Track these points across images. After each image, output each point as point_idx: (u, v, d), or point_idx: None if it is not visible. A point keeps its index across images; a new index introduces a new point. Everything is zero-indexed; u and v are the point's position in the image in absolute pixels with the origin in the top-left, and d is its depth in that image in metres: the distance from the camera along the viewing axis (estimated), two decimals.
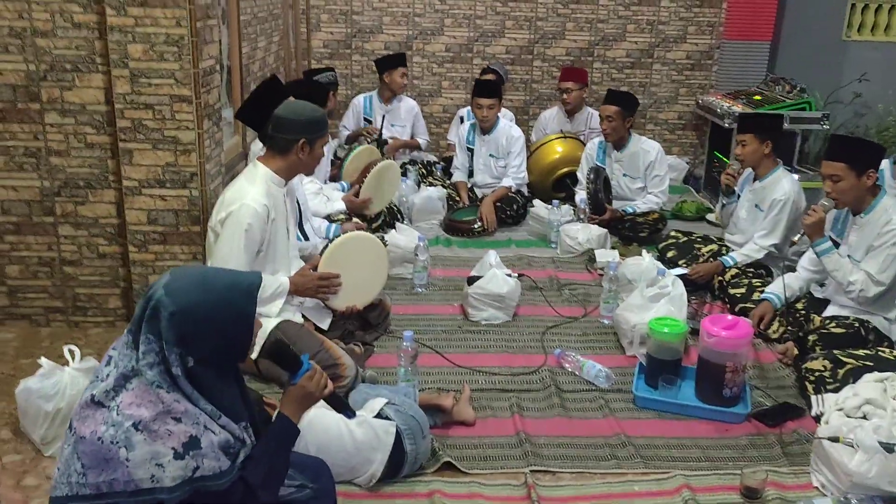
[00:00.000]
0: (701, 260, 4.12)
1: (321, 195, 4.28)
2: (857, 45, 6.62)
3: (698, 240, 4.34)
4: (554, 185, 5.41)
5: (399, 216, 4.84)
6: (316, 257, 3.08)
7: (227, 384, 1.80)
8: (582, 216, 4.74)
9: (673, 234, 4.47)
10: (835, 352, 2.90)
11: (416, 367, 2.82)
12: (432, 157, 5.97)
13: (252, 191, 2.81)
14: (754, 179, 4.01)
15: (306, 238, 3.53)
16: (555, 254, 4.52)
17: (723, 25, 6.21)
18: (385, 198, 4.48)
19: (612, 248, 4.55)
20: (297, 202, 3.51)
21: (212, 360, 1.69)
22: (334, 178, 4.92)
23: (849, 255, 3.25)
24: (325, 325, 3.12)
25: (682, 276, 3.93)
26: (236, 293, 1.72)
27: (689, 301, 3.75)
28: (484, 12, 6.17)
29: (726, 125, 5.35)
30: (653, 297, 3.27)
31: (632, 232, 4.75)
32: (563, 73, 5.73)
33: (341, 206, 4.23)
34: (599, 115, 4.81)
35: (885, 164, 4.21)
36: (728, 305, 3.75)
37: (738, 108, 5.50)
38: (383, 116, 5.56)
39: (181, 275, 1.70)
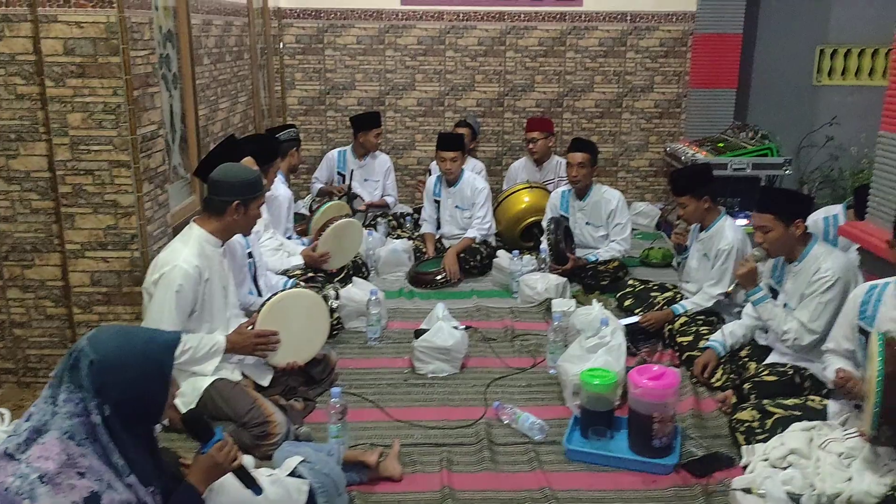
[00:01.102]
0: (656, 308, 4.15)
1: (281, 251, 4.35)
2: (827, 90, 6.74)
3: (655, 288, 4.37)
4: (521, 234, 5.47)
5: (364, 269, 4.91)
6: (255, 315, 3.13)
7: (141, 444, 1.85)
8: (543, 266, 4.79)
9: (631, 282, 4.52)
10: (764, 401, 2.91)
11: (346, 423, 2.85)
12: (407, 209, 6.06)
13: (185, 252, 2.88)
14: (701, 229, 4.05)
15: (260, 294, 3.61)
16: (515, 304, 4.56)
17: (688, 74, 6.32)
18: (346, 254, 4.54)
19: (573, 296, 4.58)
20: (252, 258, 3.61)
21: (128, 413, 1.75)
22: (303, 232, 5.01)
23: (785, 304, 3.28)
24: (265, 382, 3.15)
25: (635, 325, 3.99)
26: (154, 347, 1.80)
27: (639, 349, 3.82)
28: (454, 67, 6.33)
29: None
30: (591, 348, 3.29)
31: (594, 280, 4.79)
32: (528, 124, 5.84)
33: (300, 261, 4.29)
34: (568, 163, 4.89)
35: (838, 209, 4.27)
36: (678, 353, 3.76)
37: (702, 155, 5.57)
38: (352, 172, 5.67)
39: (105, 329, 1.81)
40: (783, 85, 6.62)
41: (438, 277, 4.87)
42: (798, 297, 3.21)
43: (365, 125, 5.62)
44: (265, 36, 5.89)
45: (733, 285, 3.40)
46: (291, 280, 3.88)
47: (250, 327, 3.05)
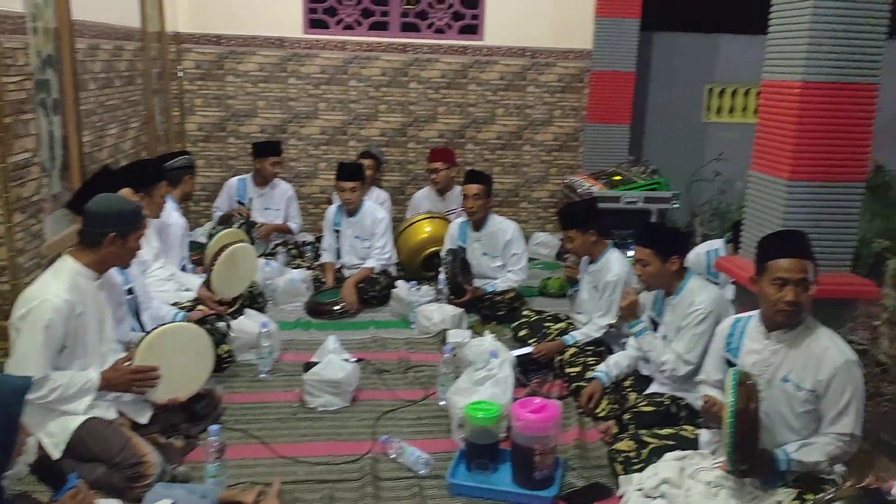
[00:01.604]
0: (549, 338, 4.23)
1: (173, 281, 4.23)
2: (715, 127, 7.10)
3: (548, 318, 4.46)
4: (422, 264, 5.49)
5: (261, 299, 4.82)
6: (133, 350, 3.02)
7: None
8: (441, 296, 4.82)
9: (526, 313, 4.60)
10: (641, 432, 3.00)
11: (225, 461, 2.77)
12: (308, 237, 6.00)
13: (54, 286, 2.76)
14: (590, 262, 4.18)
15: (143, 329, 3.48)
16: (412, 335, 4.57)
17: (585, 109, 6.54)
18: (241, 282, 4.44)
19: (470, 326, 4.62)
20: (133, 293, 3.48)
21: None
22: (200, 261, 4.88)
23: (665, 335, 3.41)
24: (143, 420, 3.04)
25: (527, 356, 4.05)
26: (1, 392, 1.71)
27: (529, 380, 3.88)
28: (357, 97, 6.34)
29: None
30: (479, 381, 3.33)
31: (490, 310, 4.85)
32: (431, 154, 5.90)
33: (191, 297, 4.17)
34: (464, 195, 4.95)
35: (719, 243, 4.48)
36: (567, 383, 3.84)
37: (597, 188, 5.75)
38: (250, 199, 5.58)
39: None
40: (675, 121, 6.94)
41: (336, 308, 4.83)
42: (675, 329, 3.34)
43: (261, 152, 5.56)
44: (163, 61, 5.76)
45: (615, 318, 3.51)
46: (181, 313, 3.76)
47: (128, 363, 2.94)
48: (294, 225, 5.85)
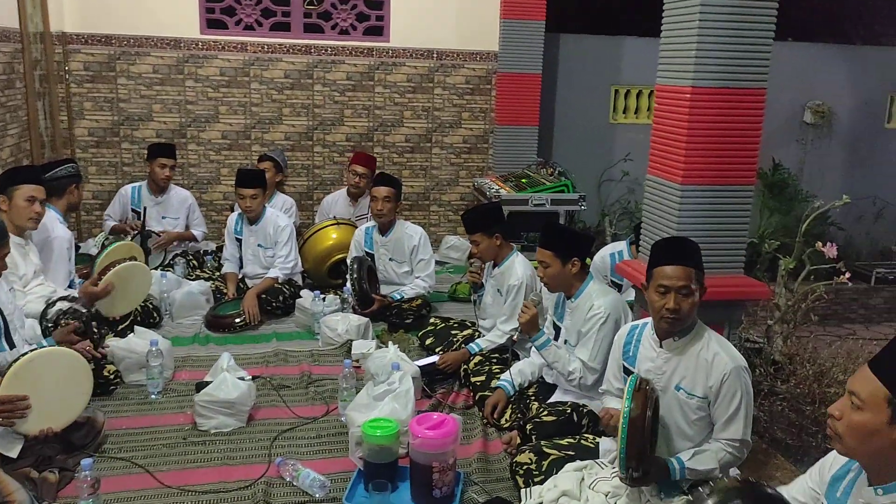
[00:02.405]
0: (455, 346, 4.17)
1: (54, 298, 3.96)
2: (622, 128, 7.20)
3: (455, 326, 4.41)
4: (329, 272, 5.36)
5: (156, 315, 4.59)
6: None
7: None
8: (346, 305, 4.70)
9: (432, 320, 4.54)
10: (542, 443, 2.96)
11: (99, 497, 2.59)
12: (210, 246, 5.77)
13: None
14: (494, 266, 4.13)
15: (12, 347, 3.23)
16: (316, 346, 4.43)
17: (494, 112, 6.52)
18: (131, 300, 4.19)
19: (377, 336, 4.52)
20: (2, 311, 3.23)
21: None
22: (88, 275, 4.59)
23: (566, 340, 3.39)
24: (13, 454, 2.81)
25: (432, 365, 3.97)
26: None
27: (434, 391, 3.80)
28: (260, 100, 6.15)
29: None
30: (378, 396, 3.23)
31: (398, 318, 4.76)
32: (357, 157, 5.75)
33: (69, 293, 3.89)
34: (373, 197, 4.83)
35: (623, 245, 4.51)
36: (472, 393, 3.78)
37: (505, 191, 5.73)
38: (144, 209, 5.32)
39: None
40: (583, 122, 7.00)
41: (237, 320, 4.64)
42: (576, 333, 3.33)
43: (150, 154, 5.31)
44: (47, 62, 5.43)
45: (517, 332, 3.47)
46: (49, 338, 3.49)
47: None
48: (198, 232, 5.61)
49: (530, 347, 3.87)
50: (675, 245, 2.65)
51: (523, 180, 5.92)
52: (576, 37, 6.94)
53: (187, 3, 5.87)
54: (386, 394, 3.24)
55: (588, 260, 3.55)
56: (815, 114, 7.27)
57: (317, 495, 2.87)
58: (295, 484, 2.94)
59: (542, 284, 3.45)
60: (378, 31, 6.26)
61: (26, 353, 2.88)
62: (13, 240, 3.66)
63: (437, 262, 6.27)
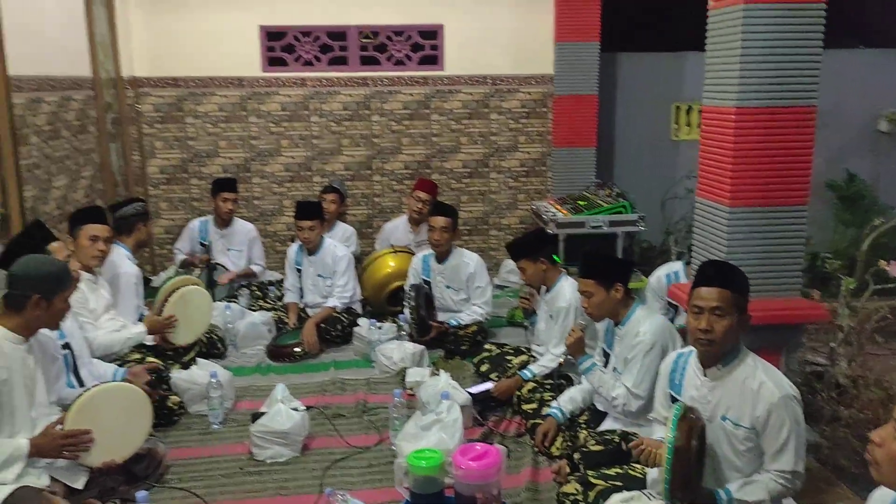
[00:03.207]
0: (509, 372, 4.15)
1: (123, 332, 4.14)
2: (685, 145, 7.05)
3: (510, 352, 4.40)
4: (388, 299, 5.43)
5: (220, 346, 4.75)
6: (64, 413, 2.95)
7: None
8: (402, 333, 4.75)
9: (487, 347, 4.54)
10: (588, 472, 2.91)
11: None
12: (274, 276, 5.93)
13: None
14: (545, 291, 4.12)
15: (82, 385, 3.41)
16: (373, 374, 4.49)
17: (550, 134, 6.50)
18: (195, 328, 4.35)
19: (433, 362, 4.55)
20: (70, 348, 3.41)
21: None
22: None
23: (615, 368, 3.34)
24: (78, 485, 2.95)
25: (485, 393, 3.98)
26: None
27: (486, 419, 3.80)
28: (320, 132, 6.32)
29: (550, 231, 5.52)
30: (426, 426, 3.25)
31: (454, 345, 4.78)
32: (420, 184, 5.85)
33: (140, 329, 4.06)
34: (430, 227, 4.90)
35: (679, 265, 4.42)
36: (524, 421, 3.76)
37: (562, 214, 5.70)
38: (210, 243, 5.53)
39: None
40: (644, 141, 6.89)
41: (297, 350, 4.76)
42: (623, 360, 3.28)
43: (215, 189, 5.53)
44: (120, 105, 5.73)
45: (563, 356, 3.44)
46: (122, 369, 3.68)
47: (59, 427, 2.87)
48: (257, 267, 5.78)
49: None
50: (712, 267, 2.61)
51: (581, 202, 5.88)
52: (634, 55, 6.86)
53: (249, 43, 6.11)
54: (434, 423, 3.26)
55: (642, 281, 3.50)
56: (890, 122, 6.95)
57: None
58: None
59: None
60: (433, 60, 6.35)
61: (89, 389, 3.03)
62: (84, 276, 3.89)
63: (497, 287, 6.31)
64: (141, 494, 2.70)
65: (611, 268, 3.30)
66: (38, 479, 2.83)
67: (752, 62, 3.06)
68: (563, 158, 6.44)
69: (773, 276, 3.24)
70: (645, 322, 3.22)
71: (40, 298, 2.81)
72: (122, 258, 4.38)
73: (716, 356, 2.57)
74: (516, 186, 6.63)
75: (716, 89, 3.29)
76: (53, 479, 2.89)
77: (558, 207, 5.93)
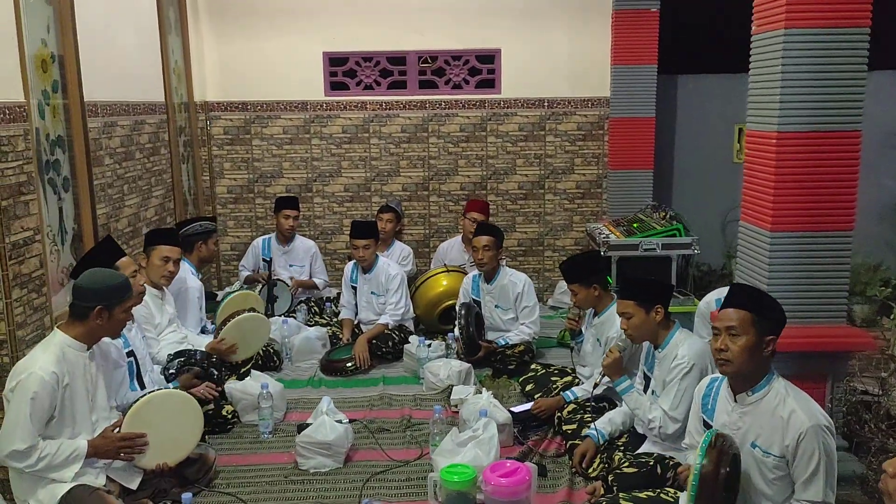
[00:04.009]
0: (553, 393, 4.18)
1: (185, 343, 4.36)
2: None
3: (555, 372, 4.43)
4: (439, 317, 5.53)
5: (276, 359, 4.94)
6: (121, 417, 3.14)
7: None
8: (450, 351, 4.83)
9: (533, 367, 4.58)
10: (620, 495, 2.93)
11: None
12: (332, 293, 6.11)
13: (42, 359, 2.91)
14: (594, 315, 4.13)
15: (143, 388, 3.63)
16: (420, 391, 4.58)
17: (607, 157, 6.51)
18: (251, 347, 4.56)
19: (480, 381, 4.61)
20: (134, 356, 3.64)
21: None
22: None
23: (653, 391, 3.34)
24: (133, 485, 3.14)
25: (526, 412, 4.01)
26: None
27: (527, 438, 3.84)
28: (378, 154, 6.50)
29: (602, 253, 5.53)
30: (462, 442, 3.32)
31: (502, 364, 4.83)
32: (473, 205, 5.98)
33: (200, 347, 4.28)
34: (473, 247, 4.99)
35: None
36: (564, 441, 3.77)
37: (615, 236, 5.69)
38: (271, 259, 5.76)
39: None
40: (705, 163, 6.80)
41: (349, 365, 4.90)
42: (662, 383, 3.27)
43: (277, 206, 5.77)
44: (192, 128, 6.05)
45: (599, 376, 3.46)
46: (176, 382, 3.87)
47: (116, 430, 3.06)
48: (320, 280, 5.98)
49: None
50: (738, 289, 2.63)
51: (634, 225, 5.85)
52: (695, 77, 6.81)
53: (313, 68, 6.36)
54: (470, 440, 3.32)
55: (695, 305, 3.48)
56: None
57: None
58: None
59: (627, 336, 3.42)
60: (490, 83, 6.46)
61: (144, 395, 3.23)
62: (150, 292, 4.13)
63: (551, 308, 6.33)
64: (186, 496, 2.86)
65: (651, 290, 3.31)
66: (96, 479, 3.03)
67: (793, 87, 3.05)
68: (619, 181, 6.42)
69: (816, 302, 3.20)
70: (684, 345, 3.22)
71: (102, 309, 3.01)
72: (186, 272, 4.62)
73: (742, 381, 2.56)
74: (571, 208, 6.65)
75: (758, 113, 3.28)
76: (110, 479, 3.09)
77: (612, 229, 5.92)
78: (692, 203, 6.66)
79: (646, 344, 3.47)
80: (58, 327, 3.05)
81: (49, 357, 2.93)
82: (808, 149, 3.08)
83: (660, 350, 3.33)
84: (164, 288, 4.29)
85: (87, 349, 3.09)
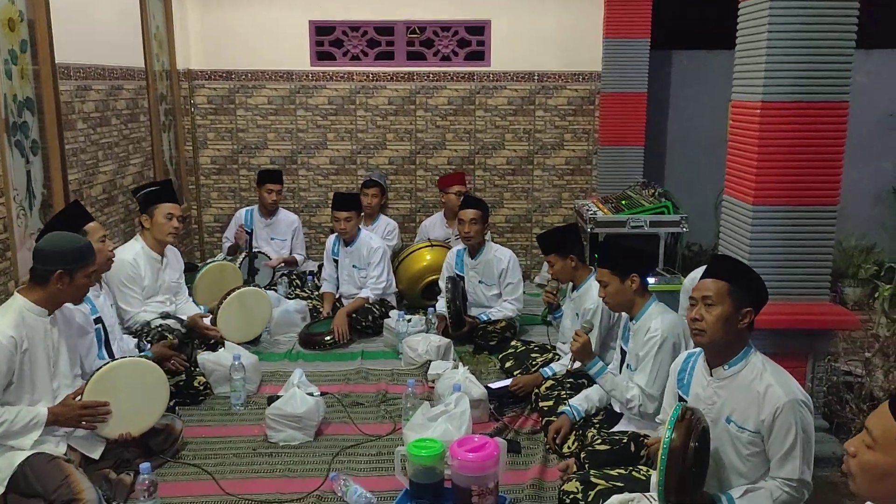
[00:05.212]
0: (533, 370, 4.11)
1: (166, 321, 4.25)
2: None
3: (535, 349, 4.36)
4: (422, 292, 5.45)
5: None
6: (83, 384, 3.06)
7: None
8: (430, 326, 4.76)
9: (513, 343, 4.51)
10: (591, 472, 2.86)
11: (158, 499, 2.77)
12: (312, 266, 6.02)
13: (0, 322, 2.83)
14: (573, 289, 4.05)
15: (112, 358, 3.54)
16: (398, 366, 4.51)
17: (597, 132, 6.40)
18: (255, 324, 4.54)
19: (460, 357, 4.54)
20: (102, 322, 3.55)
21: None
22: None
23: (628, 365, 3.27)
24: (95, 455, 3.06)
25: (504, 388, 3.95)
26: None
27: (503, 414, 3.77)
28: (365, 126, 6.38)
29: (589, 229, 5.44)
30: (433, 416, 3.24)
31: (483, 340, 4.76)
32: (449, 179, 5.89)
33: (178, 319, 4.21)
34: (459, 220, 4.90)
35: None
36: (540, 418, 3.71)
37: (602, 213, 5.60)
38: (252, 231, 5.67)
39: None
40: (699, 141, 6.69)
41: (327, 338, 4.83)
42: (636, 357, 3.20)
43: (260, 180, 5.68)
44: (174, 97, 5.92)
45: (571, 363, 3.39)
46: (148, 352, 3.79)
47: (78, 398, 2.98)
48: (299, 256, 5.89)
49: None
50: (715, 260, 2.56)
51: (623, 202, 5.76)
52: (689, 52, 6.69)
53: (299, 37, 6.22)
54: (441, 414, 3.25)
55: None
56: None
57: None
58: (344, 499, 3.01)
59: (603, 307, 3.35)
60: (479, 55, 6.34)
61: (108, 363, 3.15)
62: (149, 255, 4.11)
63: (538, 286, 6.25)
64: (144, 466, 2.79)
65: (628, 258, 3.23)
66: (56, 447, 2.95)
67: (779, 56, 2.95)
68: (609, 157, 6.32)
69: (798, 278, 3.12)
70: (657, 318, 3.14)
71: (62, 273, 2.92)
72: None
73: (718, 353, 2.49)
74: (560, 185, 6.54)
75: (743, 84, 3.18)
76: (71, 448, 3.01)
77: (600, 206, 5.83)
78: (684, 181, 6.57)
79: (624, 317, 3.39)
80: (17, 291, 2.97)
81: (7, 321, 2.84)
82: (794, 120, 2.99)
83: (634, 322, 3.26)
84: (166, 254, 4.23)
85: (49, 314, 3.00)
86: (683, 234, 5.64)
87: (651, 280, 5.26)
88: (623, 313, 3.38)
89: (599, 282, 3.26)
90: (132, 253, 4.13)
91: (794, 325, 3.02)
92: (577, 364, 3.39)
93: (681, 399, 2.70)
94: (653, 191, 5.79)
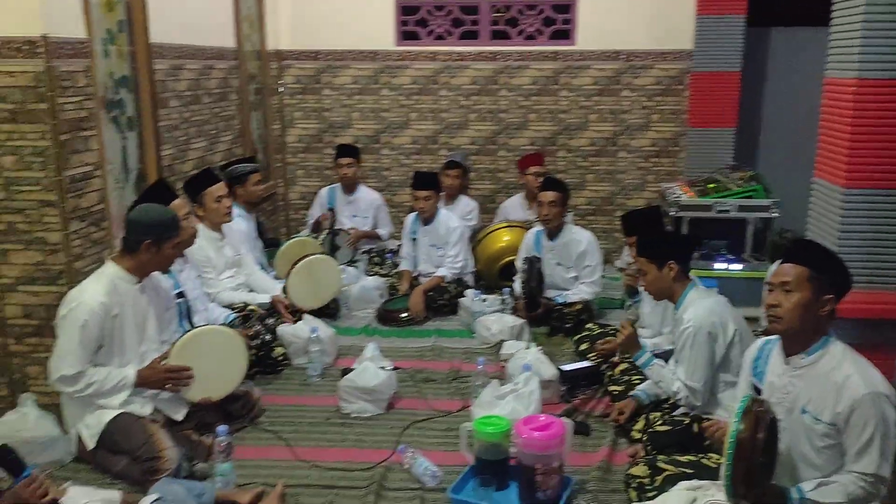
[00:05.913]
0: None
1: (241, 290, 4.40)
2: None
3: (612, 332, 4.27)
4: (500, 273, 5.45)
5: (333, 305, 4.97)
6: (169, 349, 3.22)
7: None
8: (505, 306, 4.75)
9: (589, 326, 4.45)
10: (659, 457, 2.81)
11: (239, 461, 2.90)
12: (394, 244, 6.10)
13: (93, 289, 3.00)
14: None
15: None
16: (472, 344, 4.54)
17: (686, 113, 6.20)
18: (323, 293, 4.65)
19: (535, 338, 4.52)
20: (184, 296, 3.71)
21: None
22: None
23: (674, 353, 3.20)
24: (178, 417, 3.23)
25: (577, 370, 3.90)
26: None
27: (573, 396, 3.74)
28: (448, 106, 6.39)
29: (671, 213, 5.28)
30: (501, 395, 3.25)
31: (559, 322, 4.72)
32: (529, 160, 5.83)
33: (262, 300, 4.35)
34: (539, 202, 4.86)
35: None
36: (612, 402, 3.66)
37: (688, 196, 5.43)
38: (333, 209, 5.78)
39: None
40: (796, 122, 6.38)
41: (403, 315, 4.89)
42: (679, 348, 3.13)
43: (336, 155, 5.76)
44: (264, 77, 6.10)
45: (618, 355, 3.33)
46: (233, 315, 3.96)
47: (163, 362, 3.15)
48: (383, 231, 5.97)
49: None
50: (796, 244, 2.45)
51: (710, 185, 5.57)
52: (787, 30, 6.37)
53: (384, 17, 6.28)
54: (509, 393, 3.25)
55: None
56: None
57: (428, 484, 2.97)
58: (411, 472, 3.07)
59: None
60: (565, 34, 6.23)
61: (192, 329, 3.30)
62: (210, 235, 4.21)
63: (619, 269, 6.11)
64: (221, 428, 2.91)
65: (665, 245, 3.16)
66: (142, 408, 3.12)
67: (876, 30, 2.77)
68: (699, 139, 6.12)
69: (891, 266, 2.94)
70: (691, 307, 3.06)
71: (151, 243, 3.08)
72: (235, 214, 4.62)
73: (795, 342, 2.39)
74: (646, 167, 6.38)
75: (838, 60, 3.01)
76: (156, 410, 3.18)
77: (686, 189, 5.66)
78: (780, 165, 6.29)
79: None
80: (110, 259, 3.14)
81: (100, 287, 3.02)
82: (890, 98, 2.81)
83: (675, 309, 3.18)
84: (222, 230, 4.36)
85: (138, 282, 3.17)
86: (774, 219, 5.40)
87: (738, 266, 5.11)
88: None
89: (638, 270, 3.19)
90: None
91: (883, 315, 2.86)
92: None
93: (755, 388, 2.62)
94: (743, 174, 5.57)
